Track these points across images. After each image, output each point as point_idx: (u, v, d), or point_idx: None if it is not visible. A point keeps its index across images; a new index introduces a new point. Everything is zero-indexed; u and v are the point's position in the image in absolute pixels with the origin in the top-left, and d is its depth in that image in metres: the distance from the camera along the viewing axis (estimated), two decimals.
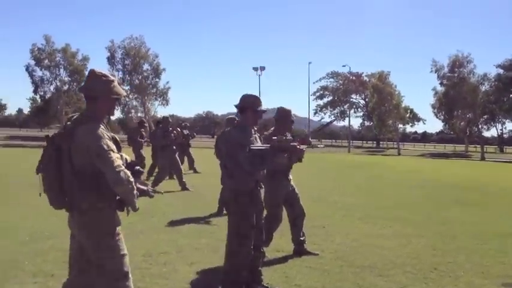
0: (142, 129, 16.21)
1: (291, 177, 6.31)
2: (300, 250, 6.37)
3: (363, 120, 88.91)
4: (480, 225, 8.88)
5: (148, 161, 15.26)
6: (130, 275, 3.28)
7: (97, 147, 3.01)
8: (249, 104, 4.68)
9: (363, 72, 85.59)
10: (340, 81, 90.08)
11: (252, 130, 4.77)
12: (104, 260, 3.18)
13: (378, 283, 5.25)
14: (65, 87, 57.45)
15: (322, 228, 8.16)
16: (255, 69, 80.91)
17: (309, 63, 74.05)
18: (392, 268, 5.83)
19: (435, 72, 56.25)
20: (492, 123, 62.26)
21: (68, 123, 3.24)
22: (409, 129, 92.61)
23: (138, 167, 3.38)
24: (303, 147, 4.83)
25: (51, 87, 57.42)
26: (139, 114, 58.54)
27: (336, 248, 6.73)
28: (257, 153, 4.47)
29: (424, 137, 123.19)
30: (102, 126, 3.14)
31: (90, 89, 3.23)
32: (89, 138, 3.04)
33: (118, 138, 3.32)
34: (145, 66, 59.19)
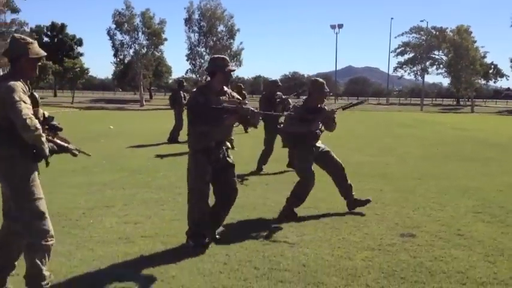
0: (183, 90, 15.86)
1: (319, 143, 6.43)
2: (349, 204, 6.52)
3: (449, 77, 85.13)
4: (455, 180, 8.73)
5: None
6: (47, 215, 3.69)
7: (9, 98, 3.42)
8: (218, 67, 4.91)
9: (447, 28, 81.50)
10: (423, 37, 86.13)
11: (224, 89, 5.00)
12: (22, 204, 3.61)
13: (281, 233, 5.50)
14: (143, 51, 59.29)
15: (293, 183, 8.36)
16: (333, 27, 79.74)
17: (391, 18, 71.75)
18: (311, 220, 5.98)
19: None
20: None
21: None
22: (503, 84, 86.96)
23: (55, 123, 3.80)
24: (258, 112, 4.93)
25: (131, 51, 59.40)
26: None
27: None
28: (212, 113, 4.69)
29: None
30: (20, 83, 3.56)
31: (12, 50, 3.66)
32: (5, 92, 3.46)
33: (37, 96, 3.73)
34: (220, 28, 59.57)
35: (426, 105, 65.70)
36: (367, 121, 28.20)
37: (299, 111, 6.11)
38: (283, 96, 10.04)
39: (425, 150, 13.72)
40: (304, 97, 6.58)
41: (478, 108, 57.70)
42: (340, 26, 78.04)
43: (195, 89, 5.14)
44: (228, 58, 5.05)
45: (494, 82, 77.26)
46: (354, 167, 10.12)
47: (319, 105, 6.26)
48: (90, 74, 78.25)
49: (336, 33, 77.53)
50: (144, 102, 58.32)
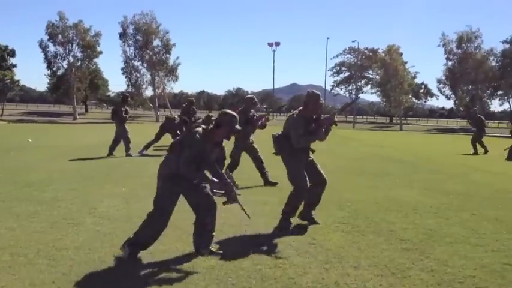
0: (126, 105, 15.94)
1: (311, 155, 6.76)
2: (304, 216, 6.80)
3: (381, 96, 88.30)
4: (339, 193, 8.95)
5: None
6: None
7: None
8: (226, 124, 4.98)
9: (378, 48, 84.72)
10: (357, 57, 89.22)
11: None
12: None
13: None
14: (78, 63, 58.61)
15: None
16: (270, 44, 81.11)
17: (327, 38, 74.03)
18: (177, 232, 6.18)
19: (443, 47, 55.81)
20: (496, 98, 61.13)
21: None
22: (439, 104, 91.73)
23: None
24: None
25: (64, 63, 58.59)
26: (150, 90, 60.06)
27: None
28: (196, 162, 4.86)
29: (452, 113, 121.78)
30: None
31: None
32: None
33: None
34: (156, 42, 59.96)
35: (360, 123, 67.60)
36: None
37: (301, 123, 6.35)
38: (256, 115, 10.30)
39: (329, 164, 14.11)
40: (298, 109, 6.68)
41: (408, 127, 59.96)
42: (277, 43, 79.64)
43: (199, 131, 4.99)
44: (238, 117, 5.09)
45: (425, 101, 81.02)
46: (250, 180, 10.39)
47: (314, 116, 6.51)
48: (29, 86, 75.67)
49: (273, 50, 79.09)
50: (77, 115, 57.36)
